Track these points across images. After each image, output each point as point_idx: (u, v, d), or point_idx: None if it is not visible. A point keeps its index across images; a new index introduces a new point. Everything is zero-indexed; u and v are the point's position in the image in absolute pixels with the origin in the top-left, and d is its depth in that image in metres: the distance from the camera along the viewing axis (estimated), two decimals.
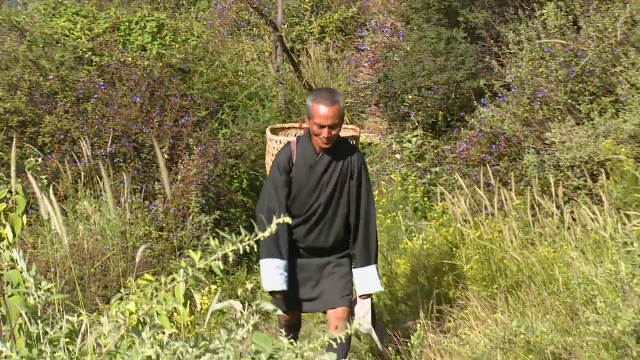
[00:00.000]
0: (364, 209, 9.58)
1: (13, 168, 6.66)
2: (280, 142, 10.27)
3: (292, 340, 7.50)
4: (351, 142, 10.33)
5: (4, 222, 6.00)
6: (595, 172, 13.81)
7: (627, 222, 12.25)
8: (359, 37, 21.75)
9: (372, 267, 9.62)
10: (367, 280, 9.51)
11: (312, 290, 9.47)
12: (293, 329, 9.64)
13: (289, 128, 11.30)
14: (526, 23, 15.84)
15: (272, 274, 9.20)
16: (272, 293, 9.27)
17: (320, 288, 9.52)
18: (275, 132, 10.90)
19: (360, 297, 9.55)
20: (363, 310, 9.45)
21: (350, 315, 9.47)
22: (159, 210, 15.09)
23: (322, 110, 9.31)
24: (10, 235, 5.93)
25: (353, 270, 9.77)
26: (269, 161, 10.49)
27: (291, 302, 9.26)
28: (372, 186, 16.86)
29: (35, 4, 20.49)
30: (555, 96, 14.87)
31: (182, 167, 16.03)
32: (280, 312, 8.93)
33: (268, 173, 10.51)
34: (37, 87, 16.61)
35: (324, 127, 9.31)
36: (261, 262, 9.50)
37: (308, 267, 9.59)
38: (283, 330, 8.13)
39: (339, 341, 8.56)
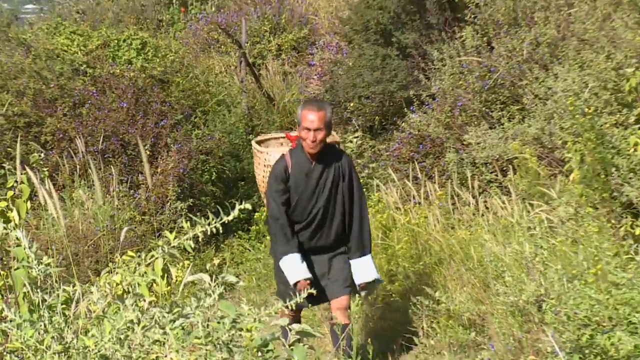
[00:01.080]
0: (357, 206, 9.40)
1: (18, 161, 6.66)
2: (269, 154, 10.07)
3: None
4: (337, 147, 10.05)
5: (11, 206, 5.97)
6: (504, 168, 13.84)
7: (531, 210, 12.31)
8: (309, 54, 21.70)
9: (368, 257, 9.43)
10: (364, 269, 9.33)
11: (319, 285, 9.14)
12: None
13: (275, 138, 11.01)
14: (448, 43, 15.85)
15: (294, 266, 8.94)
16: (295, 285, 8.92)
17: (325, 281, 9.30)
18: (260, 143, 10.67)
19: (358, 285, 9.37)
20: (362, 294, 9.28)
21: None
22: (141, 197, 15.08)
23: (309, 116, 9.14)
24: (17, 218, 5.91)
25: (350, 261, 9.50)
26: (259, 173, 10.32)
27: (311, 298, 8.36)
28: None
29: (39, 24, 20.38)
30: (472, 104, 14.89)
31: (161, 162, 16.02)
32: (285, 317, 7.70)
33: (260, 186, 10.40)
34: (40, 94, 16.57)
35: (310, 130, 9.09)
36: (280, 261, 9.11)
37: (316, 265, 9.33)
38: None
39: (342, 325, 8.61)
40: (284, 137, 10.79)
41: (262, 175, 10.14)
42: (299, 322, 8.85)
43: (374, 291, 9.97)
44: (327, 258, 9.35)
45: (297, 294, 8.04)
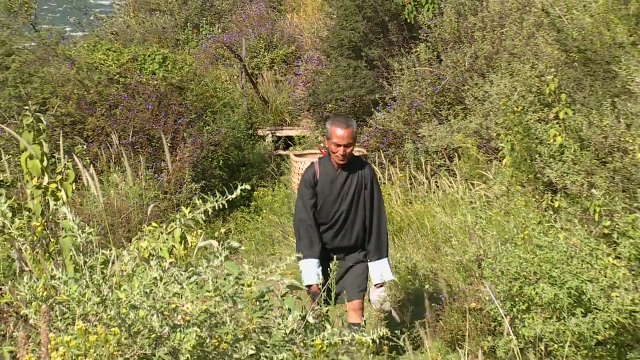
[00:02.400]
0: (376, 212, 8.85)
1: (61, 152, 6.59)
2: (303, 163, 9.87)
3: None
4: (362, 159, 9.37)
5: (59, 187, 5.94)
6: (451, 155, 13.82)
7: (472, 188, 12.31)
8: (295, 65, 21.62)
9: (385, 260, 8.86)
10: (381, 271, 8.78)
11: (337, 287, 8.43)
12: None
13: (311, 153, 10.45)
14: (406, 57, 15.82)
15: (309, 271, 8.46)
16: (308, 286, 8.43)
17: (342, 285, 8.76)
18: (299, 155, 10.16)
19: (375, 285, 8.83)
20: (381, 296, 8.71)
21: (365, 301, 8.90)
22: (163, 180, 15.07)
23: (339, 132, 8.40)
24: (64, 197, 5.88)
25: (368, 263, 8.85)
26: (294, 179, 10.10)
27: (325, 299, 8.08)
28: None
29: (81, 42, 20.29)
30: (425, 105, 14.88)
31: (179, 152, 16.01)
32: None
33: (296, 189, 9.93)
34: (82, 98, 16.52)
35: (340, 145, 8.42)
36: (300, 262, 8.49)
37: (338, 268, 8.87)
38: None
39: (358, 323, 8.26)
40: (319, 153, 10.29)
41: (297, 182, 9.91)
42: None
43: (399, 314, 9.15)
44: (346, 266, 8.83)
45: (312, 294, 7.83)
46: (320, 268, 8.41)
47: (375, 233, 8.69)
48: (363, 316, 8.64)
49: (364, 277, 8.75)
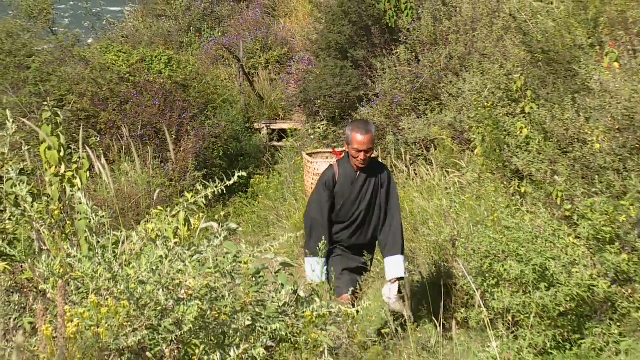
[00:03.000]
0: (391, 211, 8.35)
1: (80, 143, 6.58)
2: (317, 164, 9.31)
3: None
4: (379, 160, 9.08)
5: (75, 175, 5.93)
6: (428, 146, 13.81)
7: (447, 175, 12.31)
8: (288, 65, 21.60)
9: (400, 257, 8.31)
10: (395, 267, 8.25)
11: (344, 275, 8.23)
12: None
13: (322, 152, 10.02)
14: (387, 57, 15.80)
15: (314, 269, 7.92)
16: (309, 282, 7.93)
17: (344, 279, 8.25)
18: (311, 155, 9.77)
19: (389, 280, 8.28)
20: (393, 292, 8.17)
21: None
22: (169, 169, 15.11)
23: (359, 138, 7.94)
24: (79, 184, 5.87)
25: (385, 259, 8.37)
26: (307, 179, 9.53)
27: (340, 287, 8.03)
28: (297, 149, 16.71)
29: (95, 45, 20.28)
30: (405, 101, 14.86)
31: (183, 143, 16.06)
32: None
33: (309, 189, 9.49)
34: (96, 95, 16.55)
35: (361, 151, 7.96)
36: (306, 258, 8.14)
37: (351, 264, 8.34)
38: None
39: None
40: (330, 152, 9.89)
41: (310, 181, 9.34)
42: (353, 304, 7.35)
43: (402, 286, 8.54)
44: (360, 265, 8.32)
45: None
46: (325, 268, 7.94)
47: (392, 231, 8.30)
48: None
49: (359, 281, 8.29)
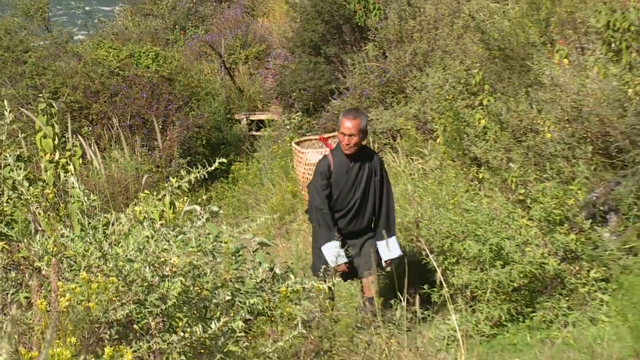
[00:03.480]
0: (385, 197, 8.07)
1: (70, 133, 6.56)
2: (308, 154, 8.90)
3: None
4: (371, 149, 8.81)
5: (69, 162, 5.90)
6: (394, 135, 13.81)
7: (411, 162, 12.32)
8: (266, 61, 21.56)
9: (393, 239, 8.09)
10: (390, 248, 8.01)
11: (352, 264, 7.87)
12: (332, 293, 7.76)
13: (310, 140, 9.58)
14: (357, 53, 15.81)
15: (334, 253, 7.65)
16: (335, 268, 7.39)
17: (357, 262, 7.95)
18: (298, 143, 9.29)
19: (385, 261, 8.00)
20: (389, 270, 7.96)
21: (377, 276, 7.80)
22: (156, 156, 15.08)
23: (345, 123, 7.70)
24: (72, 169, 5.84)
25: (377, 242, 8.07)
26: (299, 169, 9.12)
27: (343, 274, 7.73)
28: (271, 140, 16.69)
29: (87, 41, 20.19)
30: (373, 94, 14.86)
31: (169, 132, 16.05)
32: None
33: (300, 181, 9.22)
34: (88, 88, 16.54)
35: (345, 135, 7.68)
36: (323, 247, 7.78)
37: (350, 248, 7.93)
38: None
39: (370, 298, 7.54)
40: (317, 139, 9.46)
41: (302, 171, 8.97)
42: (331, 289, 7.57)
43: (397, 263, 8.32)
44: (360, 243, 8.09)
45: (332, 273, 7.31)
46: (342, 249, 7.76)
47: (385, 214, 8.06)
48: (376, 289, 7.66)
49: (376, 254, 7.92)
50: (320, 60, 17.21)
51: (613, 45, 10.03)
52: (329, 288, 6.75)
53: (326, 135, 9.09)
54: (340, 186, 7.83)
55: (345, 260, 7.59)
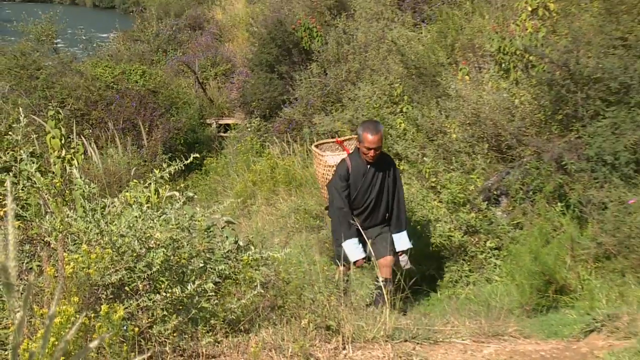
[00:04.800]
0: (397, 195, 7.33)
1: (74, 134, 6.48)
2: (327, 156, 8.06)
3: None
4: (385, 152, 7.75)
5: (73, 157, 5.83)
6: (333, 136, 13.82)
7: None
8: (231, 77, 21.42)
9: (404, 232, 7.36)
10: (402, 241, 7.33)
11: (368, 248, 6.94)
12: (348, 277, 7.20)
13: (327, 143, 8.58)
14: (303, 71, 15.76)
15: (354, 249, 7.02)
16: (354, 262, 7.07)
17: (373, 248, 6.91)
18: (318, 146, 8.39)
19: (398, 252, 7.31)
20: (404, 259, 7.33)
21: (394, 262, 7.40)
22: (143, 153, 14.92)
23: (369, 138, 6.91)
24: (76, 163, 5.76)
25: (392, 235, 7.38)
26: (319, 170, 8.25)
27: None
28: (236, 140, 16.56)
29: (87, 61, 19.91)
30: (316, 103, 14.84)
31: (154, 134, 15.90)
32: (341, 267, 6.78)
33: (319, 181, 8.36)
34: (88, 98, 16.31)
35: (371, 149, 6.95)
36: (343, 244, 7.05)
37: (367, 234, 7.06)
38: (342, 279, 6.60)
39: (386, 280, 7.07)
40: (333, 142, 8.54)
41: (322, 172, 8.11)
42: (347, 274, 7.12)
43: (410, 253, 7.69)
44: (376, 232, 7.36)
45: (351, 263, 6.88)
46: (361, 245, 7.12)
47: (397, 212, 7.39)
48: (392, 272, 7.37)
49: (391, 241, 7.38)
50: (274, 77, 17.15)
51: (503, 65, 10.15)
52: (346, 276, 6.66)
53: (342, 139, 8.40)
54: (358, 187, 7.25)
55: (363, 255, 7.07)
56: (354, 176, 7.22)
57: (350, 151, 7.86)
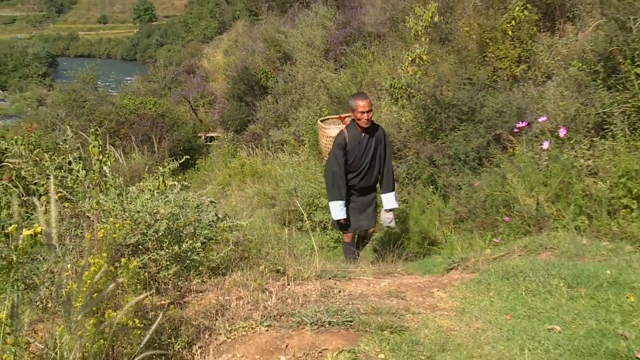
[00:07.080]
0: (387, 160, 6.16)
1: (107, 144, 6.29)
2: (329, 129, 6.83)
3: (357, 252, 6.17)
4: (376, 123, 6.35)
5: (105, 159, 5.66)
6: (283, 143, 13.72)
7: (292, 157, 12.20)
8: (214, 105, 21.15)
9: (392, 193, 6.19)
10: (389, 200, 6.14)
11: (360, 218, 6.16)
12: (354, 243, 6.34)
13: (331, 118, 7.09)
14: (262, 100, 15.66)
15: (338, 209, 5.95)
16: (338, 221, 6.05)
17: (362, 216, 6.17)
18: (323, 121, 7.01)
19: (385, 210, 6.17)
20: (389, 217, 6.14)
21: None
22: (155, 156, 14.62)
23: (362, 103, 5.84)
24: (108, 164, 5.53)
25: (381, 195, 6.29)
26: (322, 141, 6.98)
27: (352, 225, 6.13)
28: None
29: (117, 95, 19.47)
30: (271, 121, 14.73)
31: (162, 144, 15.64)
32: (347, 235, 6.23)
33: (324, 148, 6.97)
34: (118, 120, 15.96)
35: (364, 112, 5.86)
36: (330, 203, 6.07)
37: (360, 203, 6.19)
38: (349, 245, 6.16)
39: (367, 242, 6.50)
40: (337, 118, 7.11)
41: (325, 142, 6.86)
42: (353, 239, 6.30)
43: (395, 214, 7.05)
44: (367, 203, 6.25)
45: (340, 224, 6.01)
46: (345, 208, 6.09)
47: (387, 174, 6.22)
48: (371, 237, 6.57)
49: (375, 213, 6.32)
50: (243, 104, 17.00)
51: (394, 95, 10.23)
52: (346, 222, 6.00)
53: (343, 115, 7.11)
54: (354, 154, 6.14)
55: (345, 216, 6.06)
56: (351, 144, 6.15)
57: None
